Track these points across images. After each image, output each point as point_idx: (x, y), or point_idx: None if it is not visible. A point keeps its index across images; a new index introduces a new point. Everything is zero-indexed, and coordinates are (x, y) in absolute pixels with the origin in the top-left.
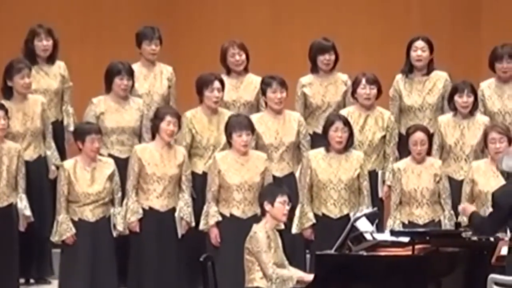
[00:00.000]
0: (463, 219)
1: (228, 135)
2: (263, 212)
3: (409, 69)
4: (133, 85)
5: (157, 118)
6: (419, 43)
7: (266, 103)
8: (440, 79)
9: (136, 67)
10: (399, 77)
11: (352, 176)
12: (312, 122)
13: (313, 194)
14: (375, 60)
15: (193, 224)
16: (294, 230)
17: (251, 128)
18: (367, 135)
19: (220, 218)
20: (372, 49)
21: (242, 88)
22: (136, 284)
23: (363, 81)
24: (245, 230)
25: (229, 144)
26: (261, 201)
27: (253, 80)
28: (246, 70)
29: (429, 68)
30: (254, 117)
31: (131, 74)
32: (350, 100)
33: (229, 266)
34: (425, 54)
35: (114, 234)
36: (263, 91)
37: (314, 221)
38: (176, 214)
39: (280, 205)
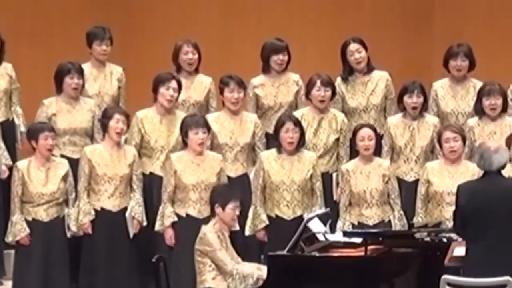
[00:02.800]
0: (418, 220)
1: (184, 134)
2: (213, 213)
3: (348, 73)
4: (83, 85)
5: (105, 117)
6: (353, 46)
7: (223, 103)
8: (381, 79)
9: (86, 67)
10: (339, 80)
11: (305, 177)
12: (264, 123)
13: (266, 195)
14: (326, 60)
15: (145, 223)
16: (247, 232)
17: (206, 127)
18: (321, 137)
19: (175, 219)
20: (323, 49)
21: (192, 88)
22: (87, 284)
23: (318, 83)
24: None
25: (184, 144)
26: (212, 202)
27: (203, 81)
28: (197, 70)
29: (369, 67)
30: (211, 117)
31: (81, 73)
32: (302, 100)
33: (185, 266)
34: (362, 55)
35: (68, 234)
36: (220, 90)
37: (267, 222)
38: (127, 214)
39: (231, 211)
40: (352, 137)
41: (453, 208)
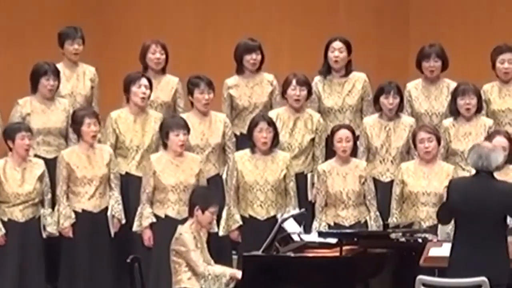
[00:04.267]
0: (393, 220)
1: (164, 135)
2: (191, 213)
3: (327, 70)
4: (58, 86)
5: (76, 123)
6: (337, 44)
7: (192, 103)
8: (359, 80)
9: (59, 67)
10: (317, 79)
11: (279, 177)
12: (239, 123)
13: (239, 195)
14: (301, 60)
15: (123, 221)
16: (221, 232)
17: (187, 128)
18: (297, 137)
19: (154, 220)
20: (298, 50)
21: (159, 89)
22: (67, 285)
23: (294, 82)
24: None
25: (164, 145)
26: (193, 203)
27: (170, 81)
28: (164, 71)
29: (347, 69)
30: None
31: (57, 74)
32: (276, 101)
33: (164, 267)
34: (343, 55)
35: (44, 235)
36: (190, 91)
37: (240, 222)
38: (108, 213)
39: (210, 214)
40: (329, 138)
41: (427, 208)
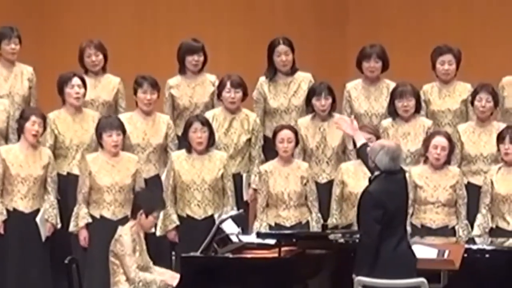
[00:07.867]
0: (332, 221)
1: (99, 136)
2: (134, 215)
3: (273, 73)
4: None
5: (22, 118)
6: (282, 48)
7: (136, 103)
8: (304, 80)
9: None
10: (262, 79)
11: (216, 177)
12: (180, 124)
13: (177, 195)
14: (240, 60)
15: (59, 225)
16: (158, 232)
17: (121, 129)
18: (232, 137)
19: (90, 220)
20: (237, 50)
21: (100, 88)
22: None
23: (228, 84)
24: (115, 232)
25: (100, 145)
26: (138, 206)
27: (112, 80)
28: (104, 70)
29: (292, 69)
30: (123, 117)
31: None
32: (218, 101)
33: (99, 268)
34: (290, 58)
35: None
36: (134, 91)
37: (177, 223)
38: (38, 217)
39: (153, 219)
40: (272, 138)
41: None
